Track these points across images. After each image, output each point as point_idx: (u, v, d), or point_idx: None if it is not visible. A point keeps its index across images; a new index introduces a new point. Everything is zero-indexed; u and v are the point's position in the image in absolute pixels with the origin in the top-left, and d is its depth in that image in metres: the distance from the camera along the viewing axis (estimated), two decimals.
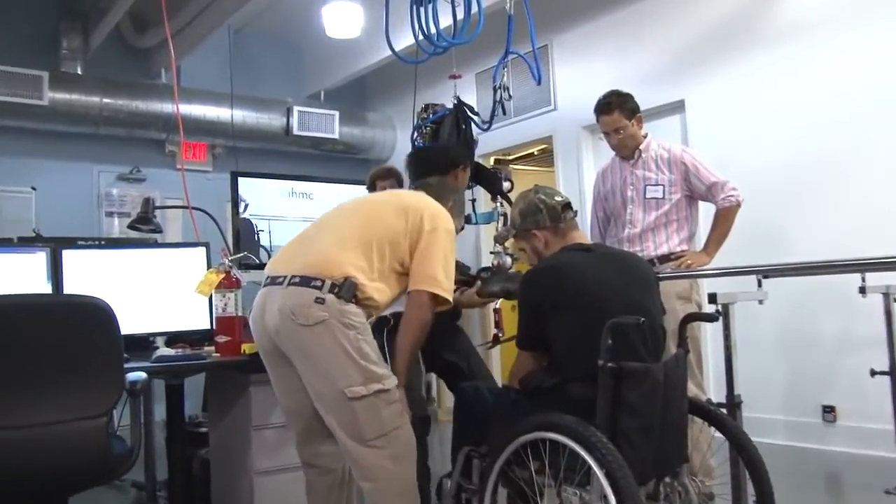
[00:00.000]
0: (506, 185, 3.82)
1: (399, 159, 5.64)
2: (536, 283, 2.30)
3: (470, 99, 5.09)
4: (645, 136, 3.59)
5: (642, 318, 2.10)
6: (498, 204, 3.89)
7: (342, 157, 7.85)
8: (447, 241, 2.44)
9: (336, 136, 7.51)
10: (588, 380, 2.12)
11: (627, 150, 3.55)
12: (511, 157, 7.29)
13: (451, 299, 2.40)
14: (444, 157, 3.39)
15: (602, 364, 2.05)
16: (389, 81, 7.68)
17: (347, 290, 2.35)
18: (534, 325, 2.29)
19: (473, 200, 3.95)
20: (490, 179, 3.80)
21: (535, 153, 7.27)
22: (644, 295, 2.33)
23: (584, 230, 3.55)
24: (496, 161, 6.88)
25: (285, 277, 2.40)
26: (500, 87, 4.05)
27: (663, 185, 3.45)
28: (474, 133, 4.08)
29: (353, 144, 7.69)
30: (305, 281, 2.37)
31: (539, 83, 4.19)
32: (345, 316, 2.35)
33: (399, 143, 7.68)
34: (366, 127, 7.87)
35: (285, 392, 2.52)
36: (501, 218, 3.78)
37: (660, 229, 3.46)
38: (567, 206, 2.45)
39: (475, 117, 4.08)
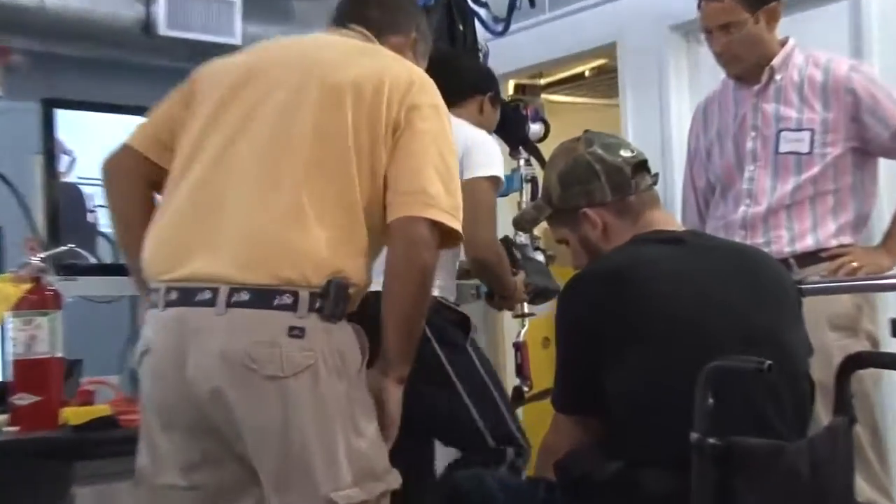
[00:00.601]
0: (534, 128, 3.45)
1: None
2: (587, 300, 1.83)
3: None
4: (783, 45, 2.82)
5: (768, 362, 1.57)
6: (521, 161, 3.47)
7: None
8: (441, 130, 1.90)
9: (236, 40, 5.25)
10: (674, 465, 1.67)
11: (743, 68, 2.83)
12: (545, 82, 5.71)
13: (460, 231, 1.88)
14: (456, 75, 2.91)
15: (698, 439, 1.59)
16: None
17: (337, 298, 1.81)
18: (582, 372, 1.84)
19: None
20: (508, 119, 3.29)
21: (587, 74, 5.68)
22: (776, 320, 1.85)
23: (672, 209, 3.11)
24: (518, 88, 5.44)
25: (215, 290, 1.79)
26: None
27: (812, 131, 2.74)
28: (480, 39, 3.70)
29: None
30: (263, 297, 1.79)
31: None
32: (337, 354, 1.81)
33: None
34: (290, 25, 5.56)
35: (188, 468, 1.91)
36: (527, 186, 3.45)
37: (802, 208, 2.76)
38: (641, 166, 1.93)
39: (481, 11, 3.75)
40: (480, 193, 2.61)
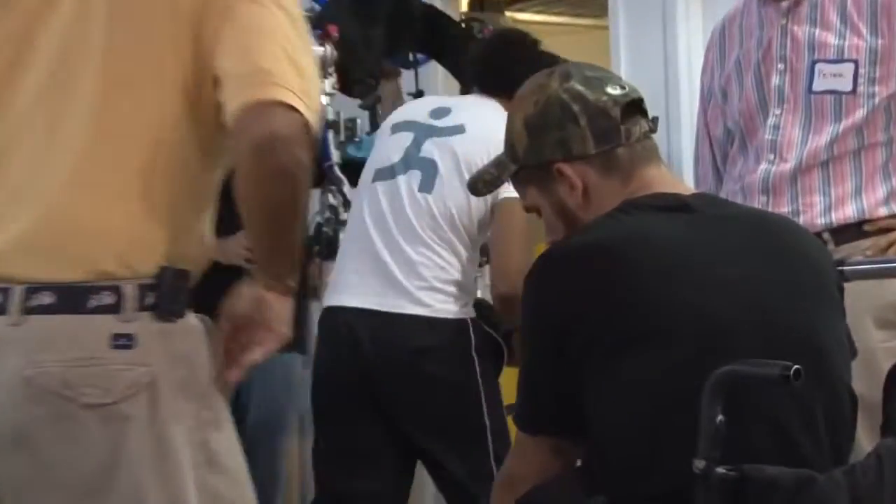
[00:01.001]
0: None
1: None
2: (562, 286, 1.65)
3: None
4: None
5: (795, 367, 1.43)
6: None
7: None
8: (287, 17, 1.60)
9: None
10: (672, 500, 1.54)
11: None
12: None
13: (313, 125, 1.58)
14: (524, 64, 2.52)
15: (704, 467, 1.48)
16: None
17: (174, 289, 1.60)
18: (553, 380, 1.67)
19: (419, 94, 3.27)
20: (458, 45, 3.23)
21: None
22: (807, 312, 1.68)
23: (679, 168, 3.03)
24: (474, 3, 5.06)
25: (5, 292, 1.59)
26: None
27: (855, 62, 2.43)
28: None
29: None
30: (73, 297, 1.58)
31: None
32: (182, 363, 1.60)
33: None
34: None
35: None
36: None
37: (842, 165, 2.46)
38: (634, 107, 1.72)
39: None
40: (516, 217, 2.45)
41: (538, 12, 5.49)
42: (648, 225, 1.71)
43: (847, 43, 2.46)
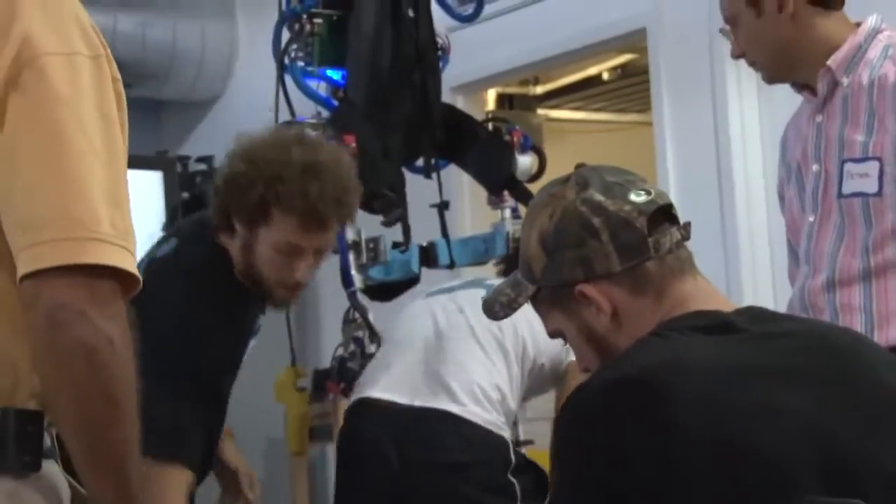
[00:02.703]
0: (523, 161, 3.02)
1: (245, 91, 4.60)
2: (607, 422, 1.52)
3: None
4: (855, 27, 2.33)
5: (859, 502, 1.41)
6: (506, 212, 3.04)
7: None
8: (80, 92, 1.35)
9: None
10: None
11: (768, 74, 2.41)
12: (542, 91, 4.97)
13: (136, 273, 1.37)
14: None
15: None
16: None
17: (23, 436, 1.39)
18: None
19: (443, 205, 3.06)
20: (485, 150, 3.06)
21: (605, 77, 4.95)
22: (878, 441, 1.54)
23: (737, 275, 2.97)
24: (502, 101, 4.71)
25: None
26: None
27: (879, 160, 2.24)
28: (441, 33, 3.13)
29: (119, 60, 5.66)
30: None
31: None
32: None
33: (245, 62, 4.90)
34: (154, 13, 4.94)
35: None
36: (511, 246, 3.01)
37: (884, 279, 2.26)
38: (662, 214, 1.63)
39: None
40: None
41: (575, 109, 5.32)
42: (688, 349, 1.57)
43: (873, 139, 2.28)
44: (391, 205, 2.96)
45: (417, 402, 2.53)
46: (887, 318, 2.29)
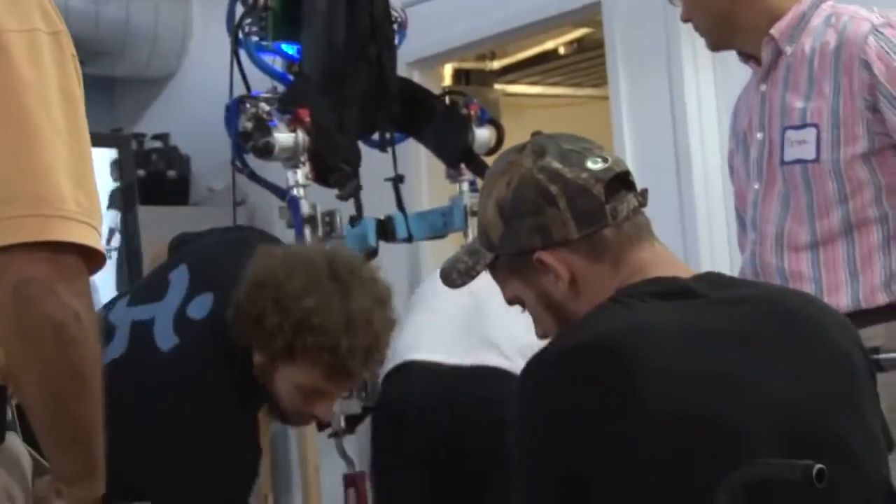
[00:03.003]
0: (481, 134, 3.07)
1: (199, 68, 4.60)
2: (563, 396, 1.51)
3: None
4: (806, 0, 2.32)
5: (818, 466, 1.36)
6: (464, 185, 3.11)
7: None
8: (53, 65, 1.37)
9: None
10: None
11: (713, 39, 2.40)
12: (499, 65, 4.99)
13: (101, 249, 1.38)
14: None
15: None
16: None
17: None
18: (570, 475, 1.51)
19: (398, 179, 3.03)
20: (442, 123, 3.07)
21: (562, 52, 4.93)
22: (833, 406, 1.58)
23: (695, 244, 2.95)
24: (459, 76, 4.72)
25: None
26: None
27: (816, 126, 2.24)
28: (397, 7, 3.13)
29: (74, 37, 5.69)
30: None
31: None
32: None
33: (200, 38, 4.86)
34: None
35: None
36: (473, 220, 3.03)
37: (832, 247, 2.28)
38: (619, 181, 1.62)
39: None
40: None
41: (532, 83, 5.32)
42: (647, 315, 1.56)
43: (811, 105, 2.28)
44: (346, 178, 2.95)
45: (468, 361, 2.52)
46: (836, 287, 2.29)
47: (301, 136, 2.90)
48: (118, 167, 4.35)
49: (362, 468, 2.88)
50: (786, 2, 2.31)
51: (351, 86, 3.02)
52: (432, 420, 2.53)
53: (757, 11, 2.33)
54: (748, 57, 2.38)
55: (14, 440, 1.40)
